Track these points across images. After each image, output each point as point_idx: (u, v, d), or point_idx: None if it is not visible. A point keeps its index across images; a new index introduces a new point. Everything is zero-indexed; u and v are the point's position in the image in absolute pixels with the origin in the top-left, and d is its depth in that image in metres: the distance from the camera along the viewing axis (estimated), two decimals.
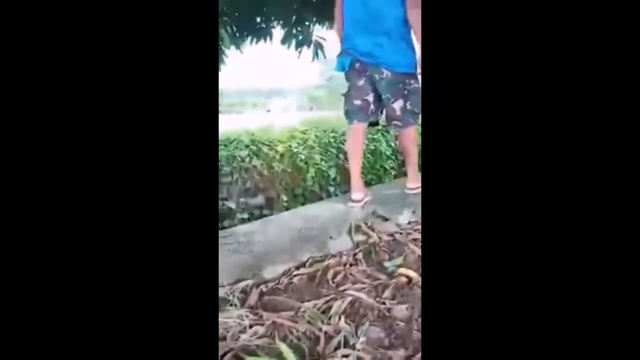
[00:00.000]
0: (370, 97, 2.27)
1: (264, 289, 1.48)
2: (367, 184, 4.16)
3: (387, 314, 1.31)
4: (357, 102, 2.25)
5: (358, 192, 2.31)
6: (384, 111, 2.33)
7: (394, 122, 2.31)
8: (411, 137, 2.36)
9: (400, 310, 1.31)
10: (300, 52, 4.22)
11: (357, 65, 2.23)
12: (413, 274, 1.52)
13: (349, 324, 1.25)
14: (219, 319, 1.24)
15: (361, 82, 2.23)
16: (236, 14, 3.95)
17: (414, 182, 2.42)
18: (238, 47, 4.23)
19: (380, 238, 1.87)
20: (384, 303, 1.36)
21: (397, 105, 2.24)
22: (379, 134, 4.52)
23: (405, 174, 2.59)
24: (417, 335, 1.18)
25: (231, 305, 1.37)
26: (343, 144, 4.11)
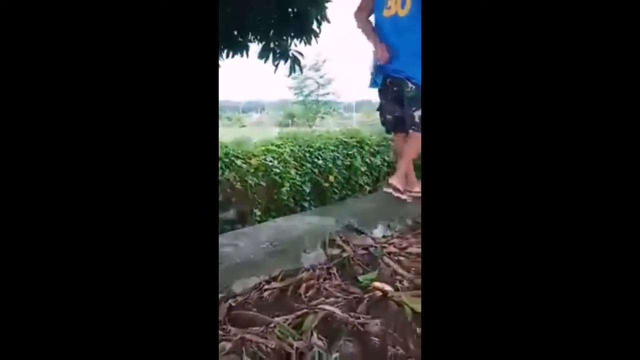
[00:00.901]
0: (400, 109, 2.46)
1: (233, 304, 1.42)
2: (342, 199, 4.15)
3: (362, 328, 1.26)
4: (391, 115, 2.53)
5: (415, 186, 2.47)
6: (405, 118, 2.48)
7: (412, 127, 2.43)
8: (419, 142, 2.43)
9: (375, 325, 1.27)
10: (277, 67, 4.21)
11: (389, 81, 2.44)
12: (388, 287, 1.49)
13: (321, 340, 1.20)
14: None
15: (392, 96, 2.47)
16: None
17: (415, 186, 2.49)
18: None
19: (354, 252, 1.84)
20: (358, 318, 1.32)
21: (417, 114, 2.37)
22: (354, 150, 4.55)
23: (375, 190, 2.64)
24: (392, 350, 1.14)
25: None
26: (318, 158, 4.09)
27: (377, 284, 1.53)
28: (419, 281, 1.54)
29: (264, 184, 3.58)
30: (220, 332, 1.23)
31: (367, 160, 4.60)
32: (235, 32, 4.17)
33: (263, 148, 3.85)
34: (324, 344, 1.17)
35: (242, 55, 4.31)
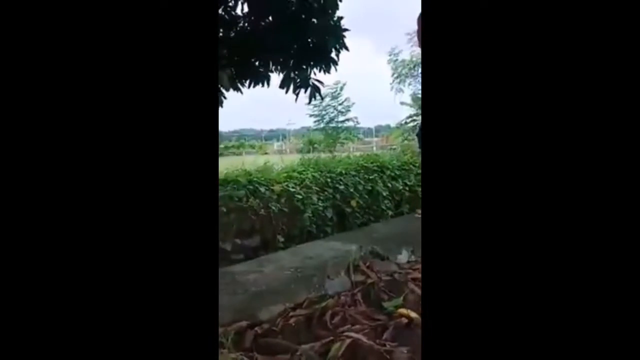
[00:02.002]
0: None
1: (259, 331, 1.42)
2: (364, 224, 4.13)
3: (388, 356, 1.25)
4: None
5: None
6: None
7: None
8: None
9: (401, 353, 1.26)
10: (297, 95, 4.30)
11: None
12: (414, 314, 1.47)
13: None
14: None
15: None
16: (236, 58, 4.06)
17: None
18: (237, 89, 4.31)
19: (379, 278, 1.83)
20: (384, 345, 1.31)
21: None
22: (375, 175, 4.54)
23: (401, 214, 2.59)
24: None
25: (225, 348, 1.31)
26: (340, 184, 4.11)
27: (402, 310, 1.52)
28: None
29: (287, 210, 3.60)
30: (246, 359, 1.24)
31: (389, 184, 4.59)
32: (257, 63, 4.30)
33: (285, 175, 3.89)
34: None
35: (262, 85, 4.43)
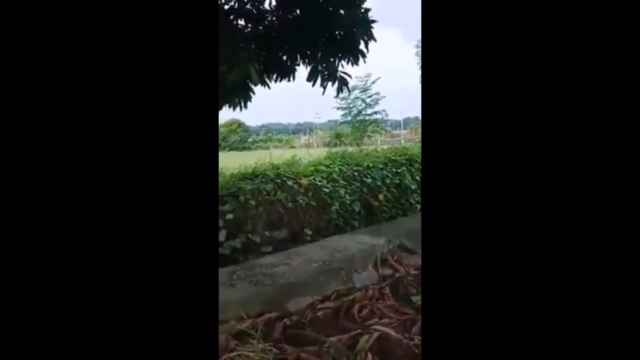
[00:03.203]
0: None
1: (288, 322, 1.44)
2: (392, 217, 4.10)
3: (416, 350, 1.24)
4: None
5: None
6: None
7: None
8: None
9: None
10: (325, 88, 4.29)
11: None
12: None
13: None
14: (243, 353, 1.21)
15: None
16: (263, 52, 4.07)
17: None
18: (265, 84, 4.33)
19: (407, 272, 1.82)
20: (412, 339, 1.30)
21: None
22: (403, 168, 4.49)
23: None
24: None
25: (254, 339, 1.33)
26: (367, 177, 4.08)
27: None
28: None
29: (314, 203, 3.61)
30: (276, 350, 1.25)
31: (417, 177, 4.53)
32: (284, 57, 4.30)
33: (312, 168, 3.90)
34: None
35: (288, 80, 4.43)
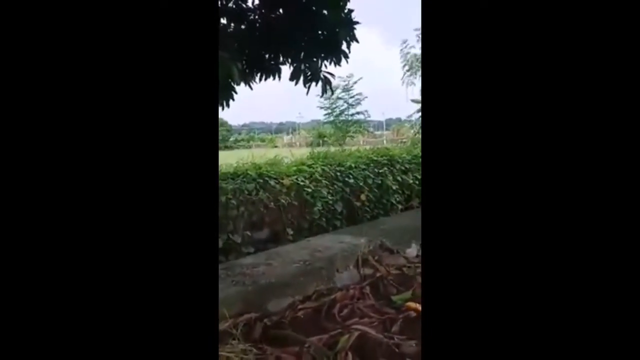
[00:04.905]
0: None
1: (268, 323, 1.44)
2: (374, 217, 4.13)
3: (396, 349, 1.26)
4: None
5: None
6: None
7: None
8: None
9: (410, 346, 1.26)
10: (308, 88, 4.29)
11: None
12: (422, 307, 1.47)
13: None
14: (223, 353, 1.20)
15: None
16: (246, 51, 4.05)
17: None
18: (247, 83, 4.30)
19: (388, 271, 1.83)
20: (392, 338, 1.31)
21: None
22: (385, 168, 4.52)
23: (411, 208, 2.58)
24: None
25: (234, 339, 1.32)
26: (349, 177, 4.10)
27: (411, 304, 1.52)
28: None
29: (296, 203, 3.61)
30: (256, 351, 1.25)
31: (399, 178, 4.57)
32: (267, 56, 4.28)
33: (295, 168, 3.89)
34: None
35: (273, 78, 4.41)
